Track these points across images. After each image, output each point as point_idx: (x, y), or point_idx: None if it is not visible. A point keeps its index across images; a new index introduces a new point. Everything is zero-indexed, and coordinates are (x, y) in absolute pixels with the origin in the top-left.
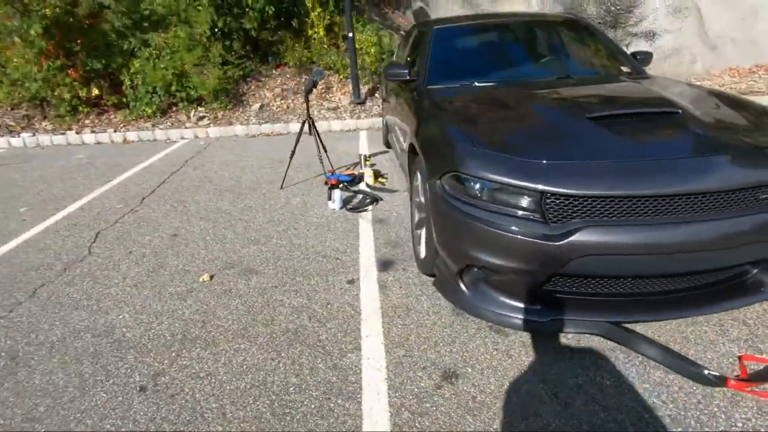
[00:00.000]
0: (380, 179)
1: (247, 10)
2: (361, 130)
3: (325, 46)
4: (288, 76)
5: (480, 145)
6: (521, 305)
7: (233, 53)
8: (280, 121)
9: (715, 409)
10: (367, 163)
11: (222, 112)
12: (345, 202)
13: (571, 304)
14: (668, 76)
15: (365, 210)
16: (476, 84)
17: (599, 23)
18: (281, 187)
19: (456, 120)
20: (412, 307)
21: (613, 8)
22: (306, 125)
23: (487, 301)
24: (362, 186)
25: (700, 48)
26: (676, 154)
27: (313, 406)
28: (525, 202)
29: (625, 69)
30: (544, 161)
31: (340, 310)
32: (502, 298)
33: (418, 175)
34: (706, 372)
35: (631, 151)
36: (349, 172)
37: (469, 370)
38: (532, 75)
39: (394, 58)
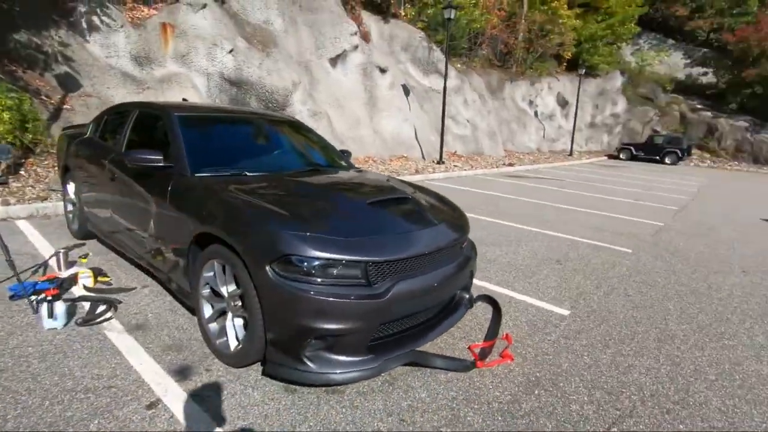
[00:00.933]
0: (101, 278)
1: None
2: (17, 219)
3: None
4: None
5: (302, 229)
6: (359, 358)
7: None
8: None
9: (487, 383)
10: (84, 261)
11: None
12: (68, 316)
13: (387, 346)
14: None
15: (106, 320)
16: (247, 174)
17: None
18: None
19: (264, 208)
20: (245, 404)
21: (270, 105)
22: None
23: (332, 365)
24: (78, 290)
25: (334, 143)
26: (424, 226)
27: None
28: (353, 271)
29: (341, 162)
30: (361, 238)
31: None
32: (343, 358)
33: (217, 266)
34: (468, 362)
35: (403, 225)
36: (47, 277)
37: None
38: (286, 166)
39: (89, 134)
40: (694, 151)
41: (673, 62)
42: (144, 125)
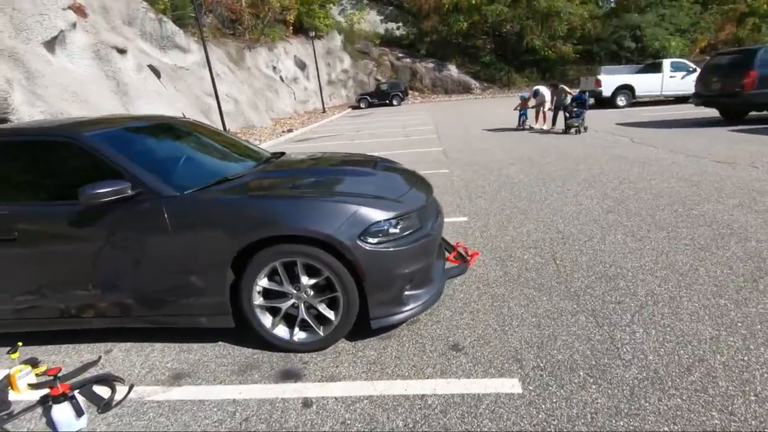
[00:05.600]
0: (36, 369)
1: None
2: None
3: None
4: None
5: (366, 200)
6: (429, 285)
7: None
8: None
9: (481, 271)
10: (14, 356)
11: None
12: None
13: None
14: None
15: (127, 394)
16: (228, 178)
17: None
18: None
19: (321, 196)
20: (373, 360)
21: None
22: None
23: (418, 298)
24: (22, 395)
25: None
26: (416, 179)
27: None
28: (413, 221)
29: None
30: (402, 194)
31: None
32: (422, 290)
33: (279, 267)
34: (465, 266)
35: (407, 181)
36: None
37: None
38: (243, 163)
39: None
40: (409, 91)
41: (372, 20)
42: (16, 160)
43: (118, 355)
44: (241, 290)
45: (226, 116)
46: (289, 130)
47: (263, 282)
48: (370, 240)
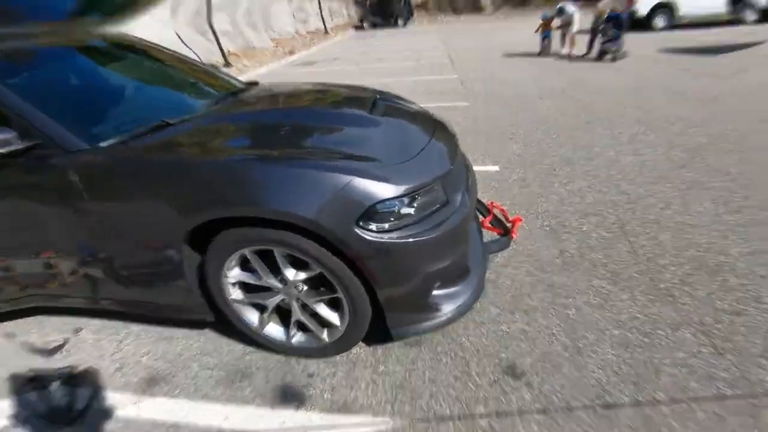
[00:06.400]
0: None
1: None
2: None
3: None
4: None
5: (370, 167)
6: (467, 278)
7: None
8: None
9: (529, 244)
10: None
11: None
12: None
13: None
14: None
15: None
16: (169, 122)
17: None
18: None
19: (303, 157)
20: (397, 383)
21: None
22: None
23: (455, 298)
24: None
25: None
26: (433, 126)
27: None
28: (438, 193)
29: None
30: (422, 153)
31: None
32: (459, 287)
33: (250, 255)
34: (507, 239)
35: (424, 129)
36: None
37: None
38: (196, 98)
39: None
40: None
41: None
42: None
43: (87, 338)
44: (208, 281)
45: (223, 36)
46: (291, 53)
47: (235, 273)
48: (374, 227)
